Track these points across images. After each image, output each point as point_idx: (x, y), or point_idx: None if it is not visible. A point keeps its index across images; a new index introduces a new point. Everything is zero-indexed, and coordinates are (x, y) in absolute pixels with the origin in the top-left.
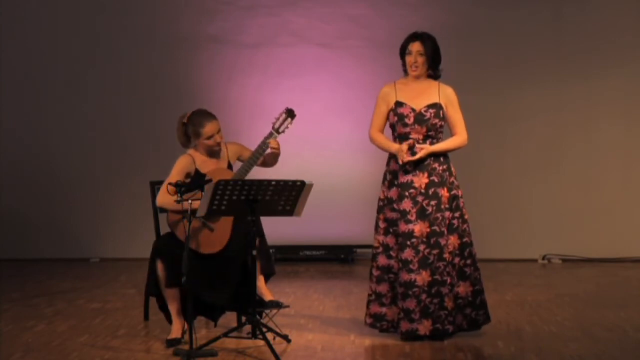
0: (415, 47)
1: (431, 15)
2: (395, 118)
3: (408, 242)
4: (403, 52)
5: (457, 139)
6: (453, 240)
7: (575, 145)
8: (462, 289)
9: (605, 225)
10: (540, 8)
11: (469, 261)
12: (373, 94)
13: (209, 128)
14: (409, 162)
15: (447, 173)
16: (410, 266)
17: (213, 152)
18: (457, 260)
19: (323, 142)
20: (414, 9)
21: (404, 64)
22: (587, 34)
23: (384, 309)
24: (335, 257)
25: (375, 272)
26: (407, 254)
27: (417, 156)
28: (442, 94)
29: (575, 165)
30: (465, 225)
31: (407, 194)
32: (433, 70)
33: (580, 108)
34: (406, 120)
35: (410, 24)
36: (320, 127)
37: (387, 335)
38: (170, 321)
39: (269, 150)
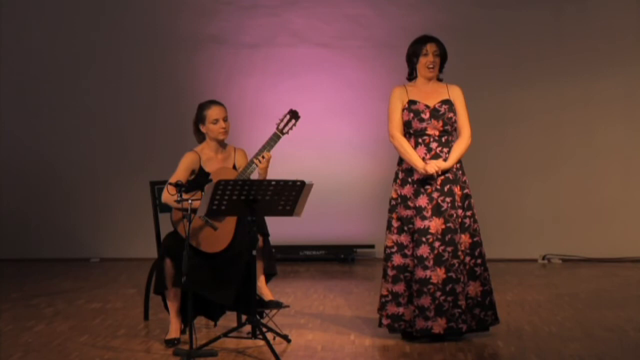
0: (432, 47)
1: (431, 15)
2: (411, 114)
3: (424, 239)
4: (414, 55)
5: (461, 142)
6: (465, 239)
7: (575, 145)
8: (472, 288)
9: (605, 225)
10: (541, 8)
11: (479, 261)
12: (373, 94)
13: (213, 111)
14: (431, 161)
15: (461, 172)
16: (426, 263)
17: (220, 144)
18: (467, 259)
19: (323, 142)
20: (414, 9)
21: (411, 70)
22: (587, 34)
23: (401, 309)
24: (335, 257)
25: (391, 272)
26: (423, 250)
27: (434, 171)
28: (451, 92)
29: (575, 165)
30: (476, 225)
31: (422, 190)
32: (440, 71)
33: (581, 108)
34: (422, 115)
35: (410, 24)
36: (320, 127)
37: (387, 334)
38: None
39: (257, 172)
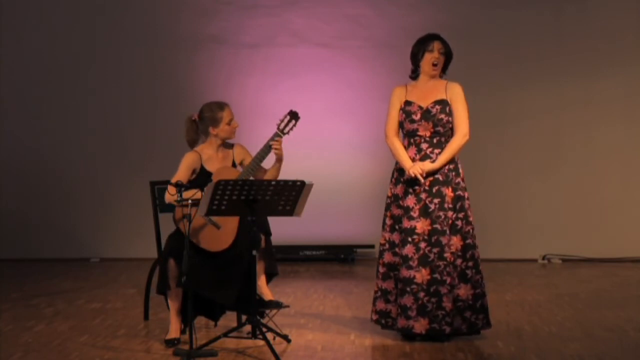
0: (439, 45)
1: (431, 15)
2: (404, 115)
3: (409, 239)
4: (420, 51)
5: (453, 141)
6: (456, 241)
7: (575, 145)
8: (463, 291)
9: (605, 225)
10: (541, 8)
11: (470, 263)
12: (373, 94)
13: (227, 112)
14: (417, 163)
15: (454, 173)
16: (410, 262)
17: (224, 143)
18: (459, 262)
19: (323, 142)
20: (414, 9)
21: (415, 68)
22: (587, 34)
23: (389, 306)
24: (335, 257)
25: (382, 269)
26: (408, 250)
27: (418, 173)
28: (449, 91)
29: (575, 165)
30: (469, 227)
31: (411, 190)
32: (444, 70)
33: (580, 108)
34: (413, 116)
35: (410, 24)
36: (320, 127)
37: (387, 334)
38: None
39: (270, 165)
